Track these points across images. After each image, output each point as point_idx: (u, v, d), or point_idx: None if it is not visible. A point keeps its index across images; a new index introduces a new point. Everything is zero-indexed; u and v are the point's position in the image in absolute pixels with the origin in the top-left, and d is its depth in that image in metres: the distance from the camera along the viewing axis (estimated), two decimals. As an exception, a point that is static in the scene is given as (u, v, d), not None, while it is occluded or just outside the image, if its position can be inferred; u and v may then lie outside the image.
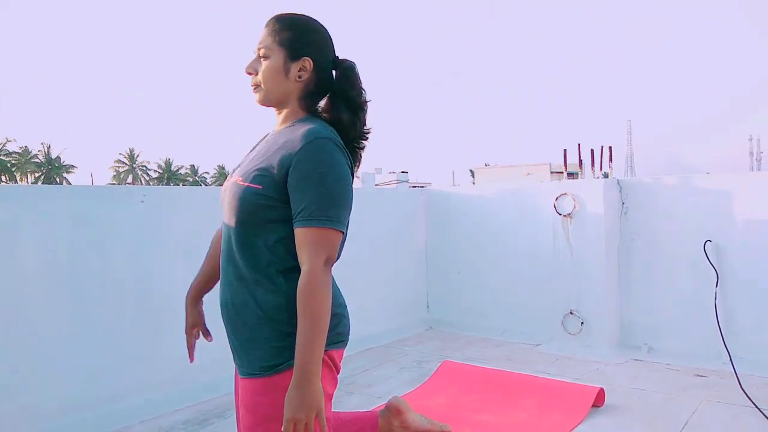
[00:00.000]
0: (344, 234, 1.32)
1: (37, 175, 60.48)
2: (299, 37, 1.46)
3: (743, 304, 2.68)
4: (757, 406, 2.17)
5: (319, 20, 1.54)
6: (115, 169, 68.33)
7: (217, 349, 2.55)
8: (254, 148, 1.49)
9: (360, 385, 2.53)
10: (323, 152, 1.33)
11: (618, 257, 3.04)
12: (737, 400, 2.27)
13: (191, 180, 71.87)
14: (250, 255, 1.35)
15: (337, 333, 1.44)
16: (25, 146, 61.21)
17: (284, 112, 1.48)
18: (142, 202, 2.32)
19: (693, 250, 2.78)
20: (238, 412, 1.58)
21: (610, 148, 3.18)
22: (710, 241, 2.74)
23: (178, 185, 54.70)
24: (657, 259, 2.93)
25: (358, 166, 1.54)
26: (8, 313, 1.96)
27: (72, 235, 2.13)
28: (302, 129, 1.36)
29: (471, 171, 32.11)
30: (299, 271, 1.28)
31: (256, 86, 1.47)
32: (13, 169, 59.35)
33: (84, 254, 2.15)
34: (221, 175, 74.30)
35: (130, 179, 67.71)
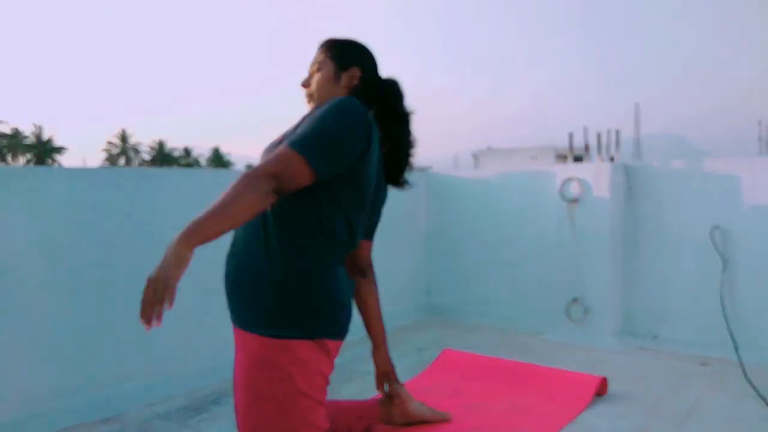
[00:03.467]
0: (313, 169, 1.32)
1: (28, 157, 60.16)
2: (347, 51, 1.65)
3: (749, 292, 2.64)
4: (761, 395, 2.14)
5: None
6: (108, 151, 67.91)
7: (213, 336, 2.52)
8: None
9: (359, 373, 2.49)
10: (339, 102, 1.42)
11: (623, 243, 2.99)
12: (741, 388, 2.24)
13: (185, 162, 71.58)
14: (273, 222, 1.40)
15: (336, 323, 1.43)
16: (16, 128, 60.77)
17: None
18: (136, 184, 2.26)
19: (699, 236, 2.73)
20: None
21: (617, 131, 3.12)
22: (717, 226, 2.69)
23: (172, 167, 54.52)
24: (663, 245, 2.89)
25: (410, 170, 1.69)
26: (1, 297, 1.91)
27: (65, 217, 2.08)
28: None
29: (474, 155, 31.99)
30: (311, 249, 1.38)
31: (310, 96, 1.64)
32: (5, 151, 59.03)
33: (77, 237, 2.10)
34: (216, 158, 74.11)
35: (122, 161, 67.36)
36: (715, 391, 2.23)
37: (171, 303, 1.26)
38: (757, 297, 2.62)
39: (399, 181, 1.68)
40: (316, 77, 1.63)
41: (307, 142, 1.33)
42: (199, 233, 1.29)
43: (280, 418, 1.32)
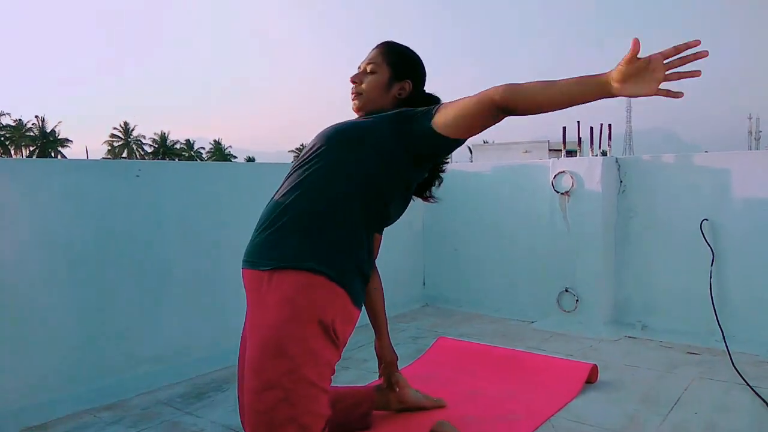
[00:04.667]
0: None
1: (31, 149, 60.00)
2: (405, 62, 1.71)
3: (738, 283, 2.69)
4: (748, 383, 2.19)
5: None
6: (110, 143, 67.82)
7: (212, 325, 2.57)
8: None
9: (356, 360, 2.55)
10: None
11: (615, 235, 3.04)
12: (729, 377, 2.29)
13: (187, 155, 71.43)
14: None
15: (361, 289, 1.53)
16: (19, 119, 60.60)
17: None
18: (138, 176, 2.31)
19: (689, 228, 2.78)
20: (240, 380, 1.61)
21: (610, 125, 3.17)
22: (707, 219, 2.74)
23: (174, 160, 54.42)
24: (653, 238, 2.94)
25: (439, 185, 1.81)
26: (2, 288, 1.95)
27: (67, 209, 2.11)
28: None
29: (469, 148, 32.01)
30: (356, 226, 1.50)
31: (358, 94, 1.69)
32: (8, 143, 58.84)
33: (79, 228, 2.14)
34: (217, 150, 73.94)
35: (125, 153, 67.23)
36: (703, 380, 2.28)
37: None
38: (746, 288, 2.67)
39: (425, 195, 1.82)
40: (370, 79, 1.68)
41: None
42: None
43: (287, 406, 1.36)
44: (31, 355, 2.00)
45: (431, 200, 1.85)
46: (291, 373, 1.37)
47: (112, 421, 2.01)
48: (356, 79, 1.70)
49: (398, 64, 1.70)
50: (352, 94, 1.70)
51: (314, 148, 1.55)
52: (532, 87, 1.32)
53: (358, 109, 1.70)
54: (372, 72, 1.69)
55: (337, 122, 1.63)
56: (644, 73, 1.20)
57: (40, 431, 1.93)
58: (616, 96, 1.25)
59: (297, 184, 1.52)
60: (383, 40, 1.75)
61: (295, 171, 1.57)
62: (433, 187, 1.82)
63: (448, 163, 1.79)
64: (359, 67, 1.72)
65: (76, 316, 2.12)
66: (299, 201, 1.49)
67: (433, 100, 1.72)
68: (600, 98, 1.27)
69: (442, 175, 1.80)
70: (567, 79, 1.28)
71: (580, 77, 1.27)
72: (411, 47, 1.75)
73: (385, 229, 1.70)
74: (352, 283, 1.48)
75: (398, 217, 1.67)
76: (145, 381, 2.28)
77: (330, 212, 1.48)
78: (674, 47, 1.18)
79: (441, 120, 1.43)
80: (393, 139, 1.51)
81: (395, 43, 1.74)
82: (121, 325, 2.24)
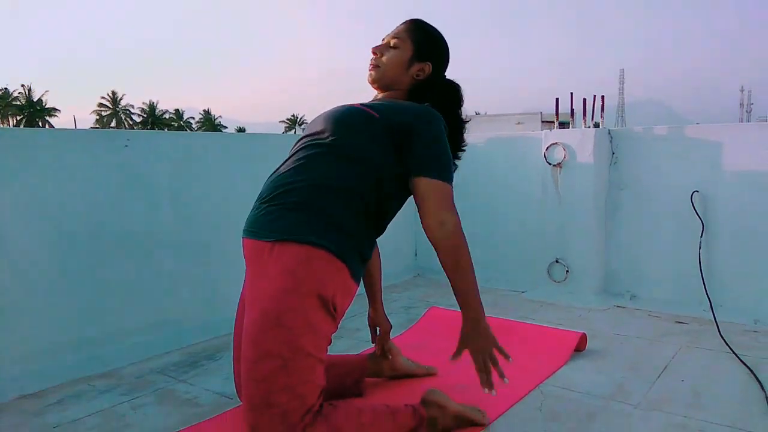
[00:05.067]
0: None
1: (18, 118, 59.15)
2: (430, 43, 1.69)
3: (726, 254, 2.72)
4: (734, 351, 2.23)
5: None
6: (98, 113, 66.92)
7: (204, 295, 2.58)
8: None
9: (348, 330, 2.57)
10: (440, 123, 1.58)
11: (606, 207, 3.05)
12: (715, 345, 2.34)
13: (176, 125, 70.70)
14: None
15: (359, 269, 1.55)
16: (5, 88, 59.56)
17: (387, 94, 1.70)
18: (126, 146, 2.28)
19: (680, 200, 2.80)
20: (236, 348, 1.63)
21: (603, 97, 3.15)
22: (697, 191, 2.76)
23: (163, 129, 53.98)
24: (644, 209, 2.96)
25: (454, 171, 1.70)
26: (-7, 257, 1.94)
27: (56, 179, 2.10)
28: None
29: (461, 119, 31.72)
30: (362, 214, 1.53)
31: (376, 66, 1.68)
32: (-7, 112, 57.98)
33: (68, 199, 2.12)
34: (207, 120, 73.20)
35: (113, 123, 66.42)
36: (690, 348, 2.32)
37: (507, 357, 1.60)
38: (734, 259, 2.71)
39: None
40: (392, 54, 1.67)
41: (451, 174, 1.57)
42: (481, 308, 1.58)
43: (284, 375, 1.39)
44: (22, 325, 2.01)
45: None
46: (289, 344, 1.39)
47: (106, 389, 2.02)
48: (377, 51, 1.69)
49: (423, 43, 1.68)
50: (371, 65, 1.69)
51: (324, 133, 1.55)
52: (467, 259, 1.58)
53: (373, 81, 1.69)
54: (395, 47, 1.67)
55: (349, 106, 1.61)
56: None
57: (35, 399, 1.94)
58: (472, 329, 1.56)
59: (304, 164, 1.52)
60: (413, 17, 1.73)
61: (302, 148, 1.57)
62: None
63: (464, 150, 1.79)
64: (383, 39, 1.71)
65: (67, 286, 2.11)
66: (305, 180, 1.50)
67: (452, 89, 1.72)
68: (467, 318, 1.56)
69: (457, 162, 1.78)
70: (475, 287, 1.57)
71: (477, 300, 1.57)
72: (439, 30, 1.73)
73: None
74: (352, 260, 1.50)
75: (395, 214, 1.69)
76: (138, 350, 2.30)
77: (335, 196, 1.49)
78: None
79: (415, 183, 1.54)
80: (391, 146, 1.54)
81: (424, 22, 1.72)
82: (113, 295, 2.25)
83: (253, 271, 1.52)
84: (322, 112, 1.65)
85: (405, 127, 1.52)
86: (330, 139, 1.53)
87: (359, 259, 1.54)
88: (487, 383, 1.53)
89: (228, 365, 2.16)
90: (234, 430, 1.66)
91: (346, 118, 1.55)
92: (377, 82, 1.69)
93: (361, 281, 1.63)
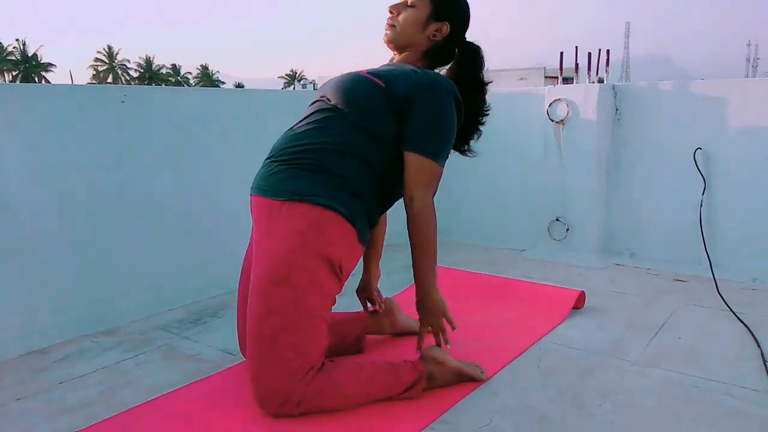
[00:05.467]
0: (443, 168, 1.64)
1: (14, 73, 58.37)
2: (448, 2, 1.64)
3: (727, 212, 2.72)
4: (731, 309, 2.25)
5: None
6: (95, 68, 66.03)
7: (207, 252, 2.59)
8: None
9: (349, 287, 2.57)
10: (446, 97, 1.55)
11: (608, 164, 3.03)
12: (714, 303, 2.36)
13: (173, 80, 69.84)
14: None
15: (365, 231, 1.57)
16: (-1, 43, 58.57)
17: (403, 56, 1.67)
18: (123, 102, 2.25)
19: (683, 157, 2.78)
20: (241, 304, 1.65)
21: (608, 51, 3.09)
22: (700, 148, 2.73)
23: (160, 85, 53.31)
24: (646, 166, 2.94)
25: (478, 138, 1.80)
26: (-8, 216, 1.94)
27: (54, 136, 2.07)
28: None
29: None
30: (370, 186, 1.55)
31: (392, 26, 1.64)
32: (-12, 68, 57.23)
33: (67, 157, 2.10)
34: (204, 76, 72.31)
35: (110, 79, 65.63)
36: (688, 306, 2.34)
37: (454, 326, 1.68)
38: (734, 217, 2.70)
39: (463, 149, 1.80)
40: (408, 12, 1.63)
41: (442, 151, 1.56)
42: (434, 280, 1.62)
43: (289, 332, 1.41)
44: (25, 283, 2.02)
45: (469, 154, 1.83)
46: (296, 302, 1.41)
47: (111, 345, 2.05)
48: (394, 10, 1.65)
49: (441, 2, 1.63)
50: (387, 24, 1.66)
51: (338, 104, 1.53)
52: (430, 240, 1.58)
53: (389, 41, 1.67)
54: (412, 5, 1.63)
55: (356, 75, 1.58)
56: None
57: (41, 355, 1.97)
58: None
59: (322, 127, 1.52)
60: None
61: (318, 110, 1.56)
62: (472, 141, 1.80)
63: (487, 114, 1.77)
64: None
65: (69, 245, 2.11)
66: (321, 143, 1.50)
67: (472, 50, 1.69)
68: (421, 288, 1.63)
69: (481, 128, 1.77)
70: (433, 266, 1.62)
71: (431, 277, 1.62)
72: None
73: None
74: (360, 223, 1.52)
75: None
76: (142, 308, 2.32)
77: (350, 162, 1.50)
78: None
79: (405, 155, 1.54)
80: (396, 117, 1.53)
81: None
82: (115, 254, 2.25)
83: (261, 229, 1.52)
84: (330, 78, 1.64)
85: (405, 98, 1.51)
86: (344, 109, 1.52)
87: (367, 222, 1.56)
88: (438, 343, 1.67)
89: (230, 322, 2.18)
90: (237, 386, 1.69)
91: (355, 91, 1.53)
92: (393, 42, 1.66)
93: None
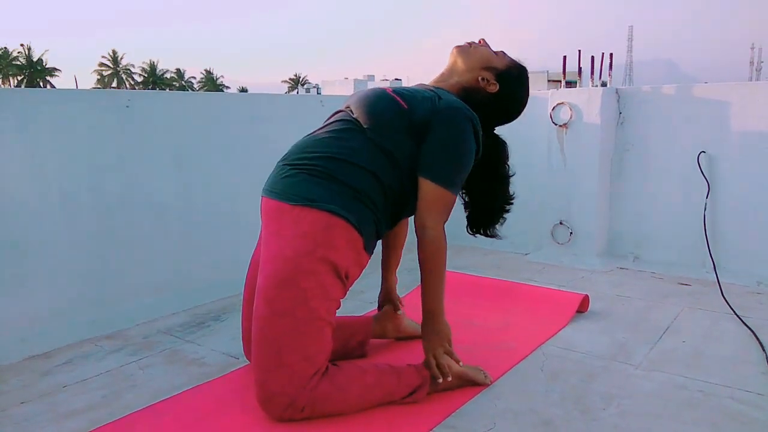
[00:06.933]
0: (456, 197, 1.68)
1: (19, 78, 58.62)
2: (512, 81, 1.75)
3: (731, 216, 2.71)
4: (735, 313, 2.24)
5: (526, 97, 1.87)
6: (99, 73, 66.27)
7: (209, 256, 2.59)
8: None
9: (353, 291, 2.56)
10: (465, 128, 1.59)
11: (611, 168, 3.03)
12: (718, 307, 2.34)
13: (177, 85, 70.05)
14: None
15: (372, 243, 1.58)
16: (5, 48, 58.85)
17: (443, 80, 1.73)
18: (127, 107, 2.26)
19: (686, 161, 2.77)
20: (247, 306, 1.65)
21: (611, 55, 3.09)
22: (704, 152, 2.73)
23: (164, 90, 53.40)
24: (650, 170, 2.93)
25: (502, 224, 1.98)
26: (-2, 220, 1.94)
27: (58, 140, 2.08)
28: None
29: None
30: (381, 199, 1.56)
31: (471, 44, 1.74)
32: (-6, 72, 57.44)
33: (70, 160, 2.11)
34: (208, 80, 72.52)
35: (114, 83, 65.85)
36: (693, 309, 2.33)
37: (457, 360, 1.65)
38: (738, 221, 2.69)
39: (488, 233, 1.98)
40: (487, 50, 1.73)
41: (457, 179, 1.59)
42: (443, 306, 1.62)
43: (295, 336, 1.41)
44: (27, 287, 2.02)
45: (496, 236, 2.01)
46: (302, 305, 1.42)
47: (113, 349, 2.05)
48: (482, 42, 1.75)
49: (509, 76, 1.74)
50: (467, 43, 1.74)
51: (359, 118, 1.55)
52: (440, 267, 1.59)
53: (459, 50, 1.73)
54: (495, 53, 1.73)
55: (381, 92, 1.60)
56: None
57: (44, 359, 1.97)
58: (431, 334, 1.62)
59: (341, 137, 1.54)
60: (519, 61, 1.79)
61: (339, 120, 1.59)
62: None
63: (512, 203, 1.98)
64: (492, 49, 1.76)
65: (72, 249, 2.12)
66: (338, 154, 1.51)
67: (499, 141, 1.93)
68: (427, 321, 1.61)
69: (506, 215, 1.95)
70: (441, 292, 1.61)
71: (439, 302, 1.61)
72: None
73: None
74: (368, 232, 1.52)
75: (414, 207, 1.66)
76: (144, 311, 2.32)
77: (363, 175, 1.51)
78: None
79: (419, 180, 1.56)
80: (415, 140, 1.56)
81: (518, 63, 1.78)
82: (118, 257, 2.26)
83: (270, 232, 1.52)
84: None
85: (424, 121, 1.54)
86: (365, 125, 1.54)
87: (375, 233, 1.57)
88: (435, 375, 1.60)
89: (234, 326, 2.18)
90: (240, 389, 1.68)
91: (377, 108, 1.55)
92: (460, 52, 1.73)
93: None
